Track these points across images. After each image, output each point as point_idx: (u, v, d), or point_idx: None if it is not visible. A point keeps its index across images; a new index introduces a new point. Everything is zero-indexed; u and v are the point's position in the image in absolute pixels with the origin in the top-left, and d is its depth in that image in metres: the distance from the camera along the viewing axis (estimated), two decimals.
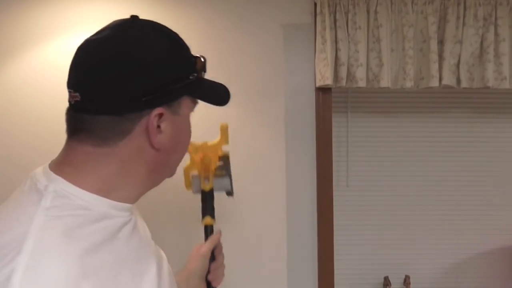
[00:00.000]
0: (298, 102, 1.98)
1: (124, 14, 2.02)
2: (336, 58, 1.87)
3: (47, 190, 0.67)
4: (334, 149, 2.02)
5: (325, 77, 1.85)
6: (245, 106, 1.96)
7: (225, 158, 1.31)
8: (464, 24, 1.86)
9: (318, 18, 1.86)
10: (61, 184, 0.69)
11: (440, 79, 1.86)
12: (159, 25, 0.80)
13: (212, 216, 1.25)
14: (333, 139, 2.01)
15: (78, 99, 0.70)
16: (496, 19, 1.86)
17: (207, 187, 1.25)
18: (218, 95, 0.89)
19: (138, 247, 0.77)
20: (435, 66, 1.84)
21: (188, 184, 1.29)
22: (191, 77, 0.77)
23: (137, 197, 0.79)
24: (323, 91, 1.97)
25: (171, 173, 0.85)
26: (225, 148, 1.33)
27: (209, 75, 2.12)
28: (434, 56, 1.84)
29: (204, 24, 1.95)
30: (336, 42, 1.86)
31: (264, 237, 1.98)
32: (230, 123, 1.95)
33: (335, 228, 2.00)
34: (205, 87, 0.83)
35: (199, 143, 1.32)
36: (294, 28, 1.96)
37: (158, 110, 0.72)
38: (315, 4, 1.89)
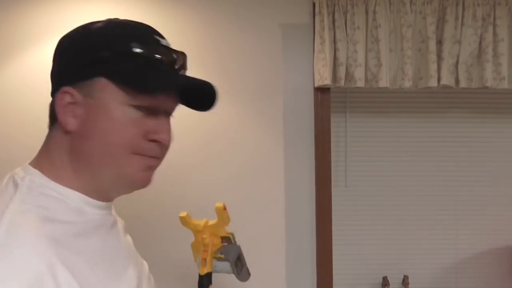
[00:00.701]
0: (296, 102, 1.98)
1: (123, 14, 2.02)
2: (335, 58, 1.87)
3: (23, 181, 0.69)
4: (332, 149, 2.02)
5: (323, 77, 1.86)
6: (243, 106, 1.96)
7: (228, 240, 1.23)
8: (462, 24, 1.86)
9: (317, 18, 1.87)
10: (37, 176, 0.70)
11: (439, 79, 1.86)
12: (106, 19, 0.75)
13: None
14: (332, 139, 2.02)
15: None
16: (494, 19, 1.87)
17: (203, 271, 1.19)
18: (145, 80, 0.70)
19: (115, 249, 0.77)
20: (433, 66, 1.84)
21: (196, 261, 1.26)
22: (103, 53, 0.69)
23: (97, 194, 0.74)
24: (321, 91, 1.97)
25: (116, 174, 0.73)
26: (230, 228, 1.25)
27: (207, 74, 2.13)
28: (433, 56, 1.84)
29: (202, 24, 1.95)
30: (334, 42, 1.86)
31: (263, 237, 1.98)
32: (229, 123, 1.97)
33: (333, 228, 2.00)
34: (133, 72, 0.69)
35: (201, 222, 1.24)
36: (292, 28, 1.96)
37: (65, 88, 0.69)
38: (314, 4, 1.89)
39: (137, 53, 0.70)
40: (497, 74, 1.88)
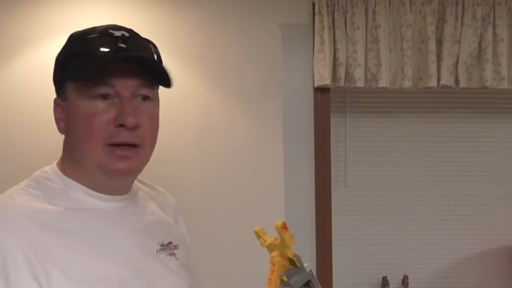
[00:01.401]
0: (296, 102, 1.98)
1: (124, 15, 2.03)
2: (335, 58, 1.87)
3: (39, 172, 0.83)
4: (332, 149, 2.02)
5: (323, 77, 1.86)
6: (243, 106, 1.96)
7: (293, 262, 1.15)
8: (462, 24, 1.86)
9: (317, 18, 1.87)
10: (53, 169, 0.83)
11: (439, 79, 1.86)
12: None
13: None
14: (332, 139, 2.02)
15: None
16: (494, 19, 1.87)
17: None
18: (82, 71, 0.75)
19: (112, 239, 0.80)
20: (433, 66, 1.84)
21: None
22: (65, 60, 0.81)
23: (102, 188, 0.82)
24: (321, 91, 1.97)
25: (94, 165, 0.78)
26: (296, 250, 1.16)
27: (207, 74, 2.13)
28: (433, 56, 1.84)
29: (202, 24, 1.95)
30: (334, 42, 1.86)
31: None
32: (228, 123, 1.97)
33: (333, 227, 2.00)
34: (82, 67, 0.76)
35: (270, 238, 1.16)
36: (292, 28, 1.96)
37: (56, 100, 0.83)
38: (314, 4, 1.89)
39: (78, 51, 0.78)
40: (497, 74, 1.88)
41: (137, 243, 0.84)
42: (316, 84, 1.90)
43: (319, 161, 1.98)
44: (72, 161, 0.81)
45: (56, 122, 0.83)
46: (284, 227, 1.12)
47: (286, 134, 1.97)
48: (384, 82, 1.85)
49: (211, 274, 1.94)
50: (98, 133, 0.76)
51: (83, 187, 0.81)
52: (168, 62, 2.13)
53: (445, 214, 2.17)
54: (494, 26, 1.87)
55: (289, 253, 1.14)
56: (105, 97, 0.76)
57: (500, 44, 1.87)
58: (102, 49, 0.76)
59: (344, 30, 1.86)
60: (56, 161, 0.85)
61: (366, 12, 1.87)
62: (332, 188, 2.00)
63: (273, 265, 1.13)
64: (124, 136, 0.77)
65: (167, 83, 0.83)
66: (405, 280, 2.08)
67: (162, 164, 1.94)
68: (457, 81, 1.88)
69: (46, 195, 0.78)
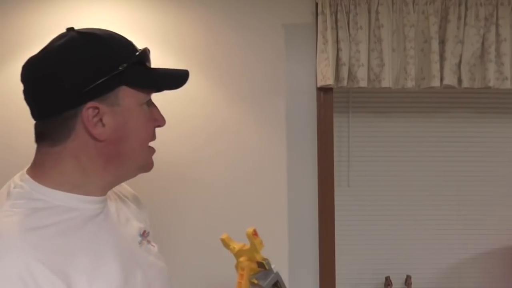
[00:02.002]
0: (299, 102, 1.98)
1: (125, 15, 2.03)
2: (338, 58, 1.87)
3: (15, 188, 0.77)
4: (335, 149, 2.03)
5: (326, 77, 1.86)
6: (246, 106, 1.96)
7: (263, 265, 1.21)
8: (465, 24, 1.86)
9: (320, 18, 1.87)
10: (28, 183, 0.77)
11: (441, 79, 1.86)
12: (89, 30, 0.81)
13: None
14: (334, 139, 2.02)
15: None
16: (497, 19, 1.87)
17: None
18: (163, 80, 0.86)
19: (103, 243, 0.80)
20: (436, 66, 1.84)
21: None
22: (120, 68, 0.77)
23: (103, 190, 0.83)
24: (324, 91, 1.97)
25: (139, 165, 0.85)
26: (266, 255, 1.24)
27: (211, 74, 2.13)
28: (435, 56, 1.84)
29: (206, 24, 1.95)
30: (337, 42, 1.86)
31: (265, 237, 1.97)
32: (232, 123, 1.97)
33: (336, 227, 2.00)
34: (144, 75, 0.82)
35: (238, 245, 1.24)
36: (295, 28, 1.96)
37: (90, 104, 0.76)
38: (317, 4, 1.89)
39: (138, 60, 0.81)
40: (500, 74, 1.88)
41: (125, 238, 0.86)
42: (319, 84, 1.90)
43: (322, 161, 1.98)
44: (104, 167, 0.80)
45: (93, 129, 0.77)
46: (255, 233, 1.22)
47: (289, 134, 1.98)
48: (387, 82, 1.85)
49: (216, 274, 1.95)
50: (150, 135, 0.86)
51: (70, 194, 0.78)
52: (172, 62, 2.15)
53: (448, 214, 2.17)
54: (497, 26, 1.87)
55: (259, 257, 1.22)
56: (149, 102, 0.85)
57: (503, 44, 1.87)
58: (149, 59, 0.84)
59: (347, 30, 1.86)
60: (22, 171, 0.81)
61: (369, 12, 1.87)
62: (335, 188, 2.00)
63: (242, 269, 1.20)
64: (155, 137, 0.88)
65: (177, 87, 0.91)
66: (408, 280, 2.08)
67: (165, 163, 1.95)
68: (460, 81, 1.88)
69: (33, 211, 0.74)
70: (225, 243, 1.26)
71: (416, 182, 2.16)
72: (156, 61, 2.10)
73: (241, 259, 1.23)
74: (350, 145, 2.13)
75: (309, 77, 1.97)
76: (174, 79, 0.87)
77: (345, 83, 1.86)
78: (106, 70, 0.76)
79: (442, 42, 1.87)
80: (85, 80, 0.75)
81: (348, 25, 1.86)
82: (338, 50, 1.87)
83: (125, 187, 1.01)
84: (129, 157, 0.82)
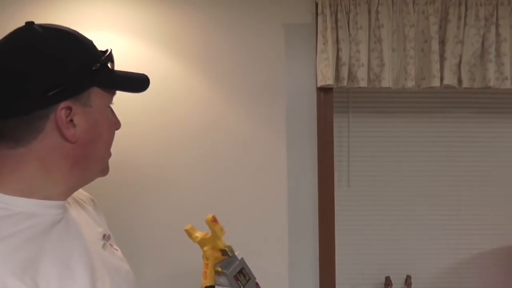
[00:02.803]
0: (299, 102, 1.98)
1: (127, 15, 2.03)
2: (338, 58, 1.87)
3: None
4: (335, 149, 2.03)
5: (326, 77, 1.86)
6: (246, 106, 1.96)
7: (226, 253, 1.21)
8: (465, 24, 1.86)
9: (320, 18, 1.87)
10: None
11: (442, 79, 1.86)
12: (53, 26, 0.77)
13: None
14: (335, 139, 2.02)
15: None
16: (497, 19, 1.87)
17: (203, 284, 1.17)
18: (130, 82, 0.86)
19: (69, 249, 0.77)
20: (436, 66, 1.84)
21: None
22: (93, 68, 0.76)
23: (65, 194, 0.81)
24: (324, 91, 1.97)
25: (100, 169, 0.84)
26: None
27: (210, 74, 2.13)
28: (436, 56, 1.84)
29: (206, 24, 1.95)
30: (337, 42, 1.86)
31: (266, 237, 1.98)
32: (232, 123, 1.97)
33: (336, 227, 2.00)
34: (114, 77, 0.81)
35: (200, 234, 1.23)
36: (295, 28, 1.96)
37: (64, 104, 0.73)
38: (317, 4, 1.89)
39: (107, 60, 0.80)
40: (500, 74, 1.88)
41: (89, 243, 0.83)
42: (319, 84, 1.90)
43: (322, 161, 1.98)
44: (71, 170, 0.77)
45: (65, 130, 0.74)
46: (214, 220, 1.19)
47: (289, 134, 1.98)
48: (387, 82, 1.85)
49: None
50: (112, 138, 0.85)
51: (31, 200, 0.75)
52: (172, 62, 2.15)
53: (448, 214, 2.17)
54: (497, 26, 1.87)
55: (221, 244, 1.20)
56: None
57: (503, 44, 1.87)
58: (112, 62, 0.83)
59: (347, 30, 1.86)
60: None
61: (369, 12, 1.87)
62: (335, 188, 2.00)
63: (207, 258, 1.19)
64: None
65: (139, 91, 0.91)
66: (408, 280, 2.08)
67: (164, 164, 1.95)
68: (460, 81, 1.88)
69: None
70: (189, 233, 1.25)
71: (416, 182, 2.16)
72: (156, 62, 2.11)
73: (205, 248, 1.21)
74: (350, 145, 2.13)
75: (309, 77, 1.97)
76: (138, 82, 0.86)
77: (345, 83, 1.86)
78: (80, 69, 0.74)
79: (442, 42, 1.87)
80: (58, 80, 0.72)
81: (348, 25, 1.86)
82: (338, 50, 1.87)
83: (80, 191, 0.96)
84: (95, 159, 0.82)
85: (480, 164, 2.17)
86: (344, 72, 1.86)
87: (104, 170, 0.85)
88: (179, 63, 1.93)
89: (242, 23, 1.96)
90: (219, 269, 1.18)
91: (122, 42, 1.89)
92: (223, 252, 1.20)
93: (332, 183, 1.99)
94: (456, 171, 2.17)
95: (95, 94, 0.78)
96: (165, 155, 1.94)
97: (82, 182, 0.83)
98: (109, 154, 0.86)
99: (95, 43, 0.81)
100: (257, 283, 1.27)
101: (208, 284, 1.17)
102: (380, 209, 2.16)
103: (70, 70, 0.74)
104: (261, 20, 1.96)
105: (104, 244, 0.88)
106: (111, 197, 1.89)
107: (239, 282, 1.19)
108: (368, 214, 2.16)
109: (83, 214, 0.89)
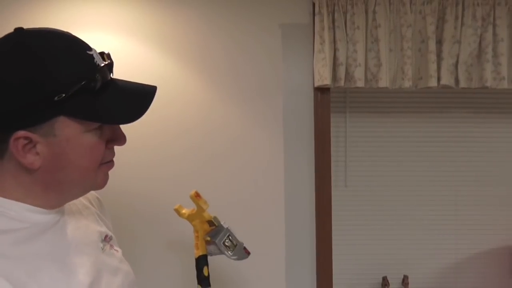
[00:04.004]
0: (296, 102, 1.98)
1: (123, 15, 2.02)
2: (335, 58, 1.87)
3: None
4: (332, 149, 2.02)
5: (323, 77, 1.85)
6: (243, 106, 1.96)
7: (212, 223, 1.33)
8: (462, 24, 1.86)
9: (317, 18, 1.86)
10: None
11: (439, 79, 1.86)
12: (28, 38, 0.69)
13: (202, 285, 1.27)
14: (332, 139, 2.01)
15: None
16: (494, 19, 1.87)
17: (196, 254, 1.30)
18: (112, 112, 0.73)
19: (66, 249, 0.78)
20: (433, 66, 1.84)
21: None
22: (56, 98, 0.67)
23: (55, 206, 0.79)
24: (321, 91, 1.96)
25: (82, 190, 0.81)
26: (211, 212, 1.36)
27: (207, 74, 2.12)
28: (433, 56, 1.84)
29: (202, 24, 1.95)
30: (334, 42, 1.86)
31: (262, 237, 1.98)
32: (228, 123, 1.97)
33: (333, 228, 2.00)
34: (88, 106, 0.71)
35: (187, 211, 1.37)
36: (292, 28, 1.96)
37: (19, 134, 0.68)
38: (314, 4, 1.89)
39: (84, 86, 0.70)
40: (497, 74, 1.88)
41: (87, 245, 0.83)
42: (316, 84, 1.90)
43: (319, 161, 1.98)
44: (45, 190, 0.75)
45: (23, 158, 0.70)
46: (197, 195, 1.32)
47: (286, 134, 1.97)
48: (384, 82, 1.85)
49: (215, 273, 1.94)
50: (97, 161, 0.78)
51: (24, 205, 0.75)
52: (168, 62, 2.14)
53: (446, 214, 2.17)
54: (494, 26, 1.87)
55: (207, 216, 1.33)
56: (100, 127, 0.76)
57: (500, 44, 1.87)
58: (105, 77, 0.74)
59: (344, 30, 1.86)
60: None
61: (366, 12, 1.87)
62: (332, 188, 2.00)
63: (196, 231, 1.34)
64: (112, 155, 0.82)
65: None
66: (405, 280, 2.08)
67: (162, 163, 1.94)
68: (457, 81, 1.88)
69: None
70: (177, 212, 1.39)
71: (413, 182, 2.16)
72: (153, 62, 2.11)
73: (194, 222, 1.35)
74: (347, 145, 2.13)
75: (306, 77, 1.97)
76: (129, 111, 0.75)
77: (342, 83, 1.86)
78: (38, 99, 0.67)
79: (439, 42, 1.87)
80: (12, 108, 0.67)
81: (345, 25, 1.86)
82: (335, 50, 1.86)
83: (92, 192, 0.96)
84: (71, 184, 0.77)
85: (478, 164, 2.17)
86: (341, 72, 1.86)
87: (94, 186, 0.81)
88: (174, 63, 1.93)
89: (239, 23, 1.95)
90: (209, 239, 1.32)
91: (117, 41, 1.88)
92: (210, 223, 1.33)
93: (329, 183, 1.99)
94: (453, 171, 2.17)
95: (62, 123, 0.70)
96: (160, 154, 1.93)
97: (66, 200, 0.81)
98: (101, 171, 0.79)
99: (92, 45, 0.75)
100: (245, 247, 1.39)
101: (201, 254, 1.30)
102: (378, 209, 2.16)
103: (26, 99, 0.66)
104: (258, 20, 1.95)
105: (104, 246, 0.87)
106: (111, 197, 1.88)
107: (228, 247, 1.32)
108: (365, 214, 2.15)
109: (84, 214, 0.89)
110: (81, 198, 0.90)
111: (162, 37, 1.93)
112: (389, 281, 2.08)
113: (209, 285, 1.26)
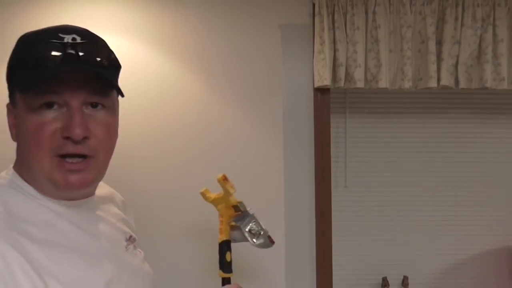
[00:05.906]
0: (296, 102, 1.98)
1: (124, 15, 2.02)
2: (335, 58, 1.87)
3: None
4: (332, 149, 2.02)
5: (323, 78, 1.86)
6: (243, 107, 1.96)
7: (238, 208, 1.29)
8: (462, 25, 1.86)
9: (317, 18, 1.86)
10: (12, 175, 0.80)
11: (439, 79, 1.86)
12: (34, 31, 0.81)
13: (224, 271, 1.22)
14: (332, 140, 2.01)
15: None
16: (494, 20, 1.87)
17: (220, 238, 1.26)
18: (25, 78, 0.74)
19: (86, 242, 0.79)
20: (433, 67, 1.84)
21: None
22: (11, 67, 0.78)
23: (48, 193, 0.78)
24: (321, 92, 1.97)
25: (45, 176, 0.76)
26: (238, 197, 1.31)
27: (207, 75, 2.12)
28: (432, 57, 1.84)
29: (202, 25, 1.95)
30: (334, 42, 1.86)
31: None
32: (228, 124, 1.97)
33: (333, 228, 2.00)
34: (27, 77, 0.74)
35: (213, 194, 1.33)
36: (292, 28, 1.96)
37: (7, 105, 0.80)
38: (314, 5, 1.89)
39: (23, 58, 0.75)
40: (497, 74, 1.88)
41: (110, 242, 0.85)
42: (316, 85, 1.90)
43: (319, 162, 1.98)
44: (26, 169, 0.78)
45: (9, 128, 0.80)
46: (225, 178, 1.29)
47: (286, 134, 1.97)
48: (384, 82, 1.85)
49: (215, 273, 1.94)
50: (45, 145, 0.73)
51: (38, 192, 0.78)
52: (168, 63, 2.14)
53: (445, 215, 2.17)
54: (494, 26, 1.87)
55: (233, 200, 1.29)
56: (50, 105, 0.72)
57: (500, 44, 1.87)
58: (49, 56, 0.73)
59: (344, 30, 1.86)
60: (12, 165, 0.82)
61: (366, 13, 1.87)
62: (332, 189, 2.00)
63: (221, 216, 1.29)
64: (72, 148, 0.73)
65: (119, 90, 0.79)
66: (405, 281, 2.08)
67: (162, 164, 1.94)
68: (457, 81, 1.88)
69: (13, 203, 0.75)
70: (203, 195, 1.36)
71: (413, 183, 2.16)
72: (152, 62, 2.10)
73: (219, 206, 1.31)
74: (347, 146, 2.13)
75: (306, 78, 1.97)
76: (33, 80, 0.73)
77: (342, 83, 1.86)
78: (9, 71, 0.79)
79: (439, 43, 1.88)
80: (7, 81, 0.80)
81: (345, 25, 1.86)
82: (335, 50, 1.87)
83: (113, 191, 0.98)
84: (29, 164, 0.76)
85: (478, 165, 2.17)
86: (341, 72, 1.86)
87: (52, 181, 0.75)
88: (175, 64, 1.93)
89: (239, 24, 1.95)
90: (233, 223, 1.28)
91: (117, 42, 1.88)
92: (236, 208, 1.29)
93: (329, 183, 1.99)
94: (453, 172, 2.16)
95: (18, 97, 0.76)
96: (159, 154, 1.93)
97: (39, 186, 0.77)
98: (57, 164, 0.74)
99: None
100: (269, 236, 1.33)
101: (224, 239, 1.25)
102: (377, 209, 2.15)
103: (8, 73, 0.79)
104: (257, 20, 1.95)
105: (128, 245, 0.89)
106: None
107: (252, 234, 1.29)
108: (365, 214, 2.15)
109: (110, 213, 0.91)
110: (107, 197, 0.93)
111: (162, 39, 1.93)
112: (389, 282, 2.08)
113: (231, 271, 1.21)
